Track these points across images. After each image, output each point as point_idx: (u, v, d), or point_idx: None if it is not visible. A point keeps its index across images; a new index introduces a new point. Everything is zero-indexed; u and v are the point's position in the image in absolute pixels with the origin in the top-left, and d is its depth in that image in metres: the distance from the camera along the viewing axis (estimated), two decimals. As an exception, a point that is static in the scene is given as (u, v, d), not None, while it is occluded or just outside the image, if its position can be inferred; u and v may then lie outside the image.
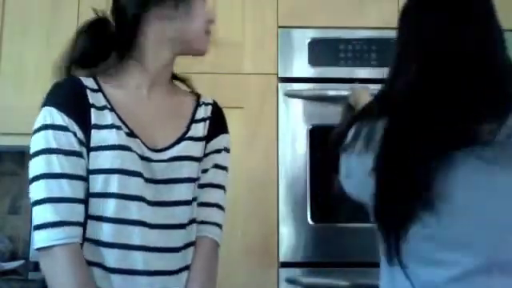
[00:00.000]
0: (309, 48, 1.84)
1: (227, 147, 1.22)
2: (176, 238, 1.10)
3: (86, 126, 1.04)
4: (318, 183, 1.77)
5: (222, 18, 1.87)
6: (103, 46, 1.13)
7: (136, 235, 1.04)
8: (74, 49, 1.13)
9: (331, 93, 1.79)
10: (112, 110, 1.08)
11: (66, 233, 0.99)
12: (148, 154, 1.08)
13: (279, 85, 1.82)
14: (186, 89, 1.25)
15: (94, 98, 1.07)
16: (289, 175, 1.78)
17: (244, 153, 1.78)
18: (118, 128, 1.06)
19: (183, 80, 1.26)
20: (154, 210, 1.06)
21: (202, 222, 1.16)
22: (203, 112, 1.20)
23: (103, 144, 1.04)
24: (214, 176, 1.18)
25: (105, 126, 1.05)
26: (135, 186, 1.05)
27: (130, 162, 1.05)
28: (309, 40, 1.84)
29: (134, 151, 1.06)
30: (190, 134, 1.15)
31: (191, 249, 1.13)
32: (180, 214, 1.10)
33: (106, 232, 1.03)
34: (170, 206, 1.09)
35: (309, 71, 1.84)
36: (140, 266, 1.04)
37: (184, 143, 1.13)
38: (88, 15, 2.18)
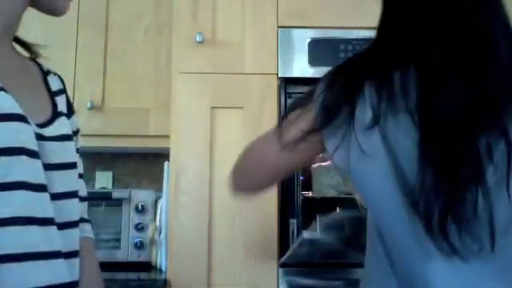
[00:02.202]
0: (309, 48, 1.84)
1: (79, 129, 1.02)
2: (75, 240, 0.87)
3: None
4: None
5: (222, 18, 1.87)
6: None
7: (44, 239, 0.78)
8: None
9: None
10: None
11: None
12: (36, 129, 0.82)
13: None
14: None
15: None
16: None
17: (244, 153, 1.78)
18: (4, 90, 0.78)
19: (24, 44, 0.98)
20: (53, 205, 0.82)
21: (80, 220, 0.93)
22: (56, 83, 0.97)
23: None
24: (79, 163, 0.96)
25: None
26: (40, 171, 0.79)
27: (32, 138, 0.78)
28: (309, 40, 1.84)
29: (31, 124, 0.79)
30: (59, 108, 0.92)
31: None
32: (73, 209, 0.88)
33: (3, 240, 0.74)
34: (63, 198, 0.85)
35: (309, 71, 1.84)
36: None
37: (61, 119, 0.90)
38: (88, 15, 2.19)
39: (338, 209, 1.63)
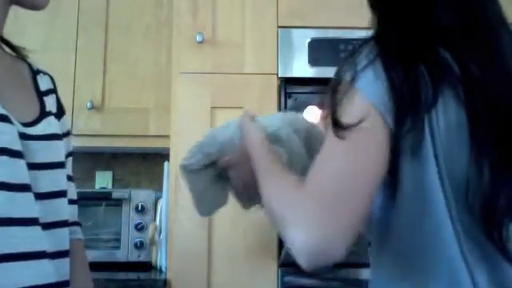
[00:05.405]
0: (309, 48, 1.84)
1: (70, 130, 1.01)
2: (64, 240, 0.87)
3: None
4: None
5: (222, 18, 1.87)
6: None
7: (26, 239, 0.77)
8: None
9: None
10: None
11: None
12: (21, 128, 0.82)
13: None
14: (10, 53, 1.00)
15: None
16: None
17: (244, 153, 1.78)
18: None
19: (11, 45, 0.99)
20: (39, 205, 0.81)
21: (72, 223, 0.93)
22: (45, 83, 0.97)
23: None
24: (68, 165, 0.96)
25: None
26: (23, 171, 0.79)
27: (14, 138, 0.79)
28: (309, 40, 1.84)
29: (14, 124, 0.80)
30: (47, 108, 0.92)
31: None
32: (61, 209, 0.87)
33: None
34: (50, 198, 0.84)
35: (309, 71, 1.84)
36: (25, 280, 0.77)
37: (49, 119, 0.90)
38: (88, 15, 2.18)
39: None
